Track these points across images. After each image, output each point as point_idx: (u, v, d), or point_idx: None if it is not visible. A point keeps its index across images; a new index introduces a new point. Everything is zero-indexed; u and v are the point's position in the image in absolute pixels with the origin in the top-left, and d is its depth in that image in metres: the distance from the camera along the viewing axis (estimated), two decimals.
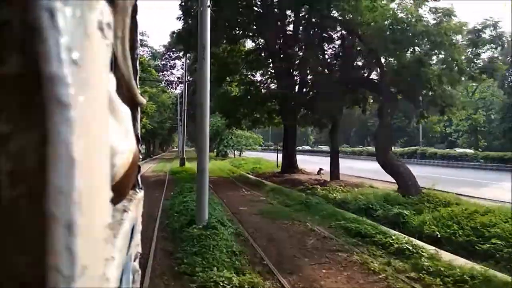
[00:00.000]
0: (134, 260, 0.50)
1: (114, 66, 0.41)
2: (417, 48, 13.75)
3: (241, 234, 7.55)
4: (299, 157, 21.80)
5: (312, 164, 23.57)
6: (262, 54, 21.48)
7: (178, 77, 45.16)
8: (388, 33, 13.17)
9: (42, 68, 0.23)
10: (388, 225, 8.43)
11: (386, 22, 13.26)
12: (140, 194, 0.51)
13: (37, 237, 0.23)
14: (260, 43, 21.89)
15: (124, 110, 0.43)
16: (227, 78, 22.33)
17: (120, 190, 0.39)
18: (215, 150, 48.01)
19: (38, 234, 0.23)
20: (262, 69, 21.78)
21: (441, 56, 13.97)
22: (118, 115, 0.40)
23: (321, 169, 20.23)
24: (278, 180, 17.67)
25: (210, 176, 19.44)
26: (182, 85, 46.85)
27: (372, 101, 19.01)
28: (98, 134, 0.28)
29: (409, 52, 13.98)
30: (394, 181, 16.93)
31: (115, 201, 0.39)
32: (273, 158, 31.89)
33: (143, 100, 0.53)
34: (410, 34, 12.72)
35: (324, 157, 40.64)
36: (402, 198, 10.58)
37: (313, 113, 16.34)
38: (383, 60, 14.63)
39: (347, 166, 25.97)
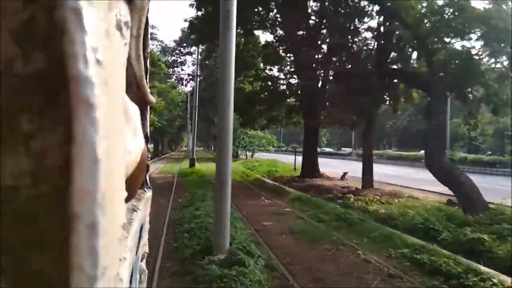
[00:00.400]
0: (141, 260, 0.48)
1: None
2: (472, 36, 11.56)
3: (275, 267, 5.46)
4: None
5: (327, 167, 21.46)
6: (281, 47, 19.40)
7: (189, 74, 43.33)
8: (440, 17, 11.01)
9: (68, 68, 0.23)
10: (463, 254, 6.28)
11: (439, 4, 11.11)
12: (149, 193, 0.48)
13: (59, 236, 0.23)
14: (279, 35, 19.81)
15: (133, 109, 0.41)
16: (242, 73, 20.33)
17: (128, 190, 0.38)
18: None
19: (60, 233, 0.23)
20: (282, 63, 19.70)
21: (496, 44, 11.77)
22: (127, 114, 0.39)
23: (345, 173, 18.11)
24: (299, 185, 15.58)
25: None
26: (193, 82, 45.04)
27: (403, 99, 16.89)
28: (116, 134, 0.27)
29: (460, 40, 11.83)
30: (434, 190, 14.78)
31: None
32: (287, 160, 29.81)
33: (152, 99, 0.52)
34: (467, 18, 10.55)
35: (333, 159, 38.46)
36: (464, 215, 8.44)
37: (342, 111, 14.20)
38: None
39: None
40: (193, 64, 40.91)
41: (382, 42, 13.39)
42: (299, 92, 18.13)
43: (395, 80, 13.20)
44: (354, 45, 14.42)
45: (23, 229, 0.23)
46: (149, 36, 0.48)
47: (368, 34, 16.15)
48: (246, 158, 34.13)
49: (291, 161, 29.00)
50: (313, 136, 18.36)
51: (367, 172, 13.11)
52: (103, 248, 0.24)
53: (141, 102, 0.48)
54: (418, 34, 11.18)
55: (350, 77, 13.36)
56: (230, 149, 5.63)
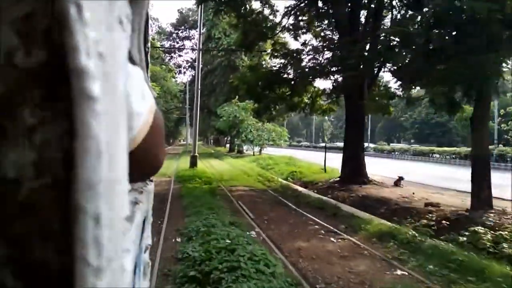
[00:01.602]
0: (145, 252, 0.47)
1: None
2: None
3: None
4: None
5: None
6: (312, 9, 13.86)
7: (187, 61, 37.63)
8: None
9: (70, 61, 0.22)
10: None
11: None
12: (151, 186, 0.47)
13: (63, 228, 0.23)
14: None
15: (135, 71, 0.38)
16: (258, 44, 14.82)
17: (145, 159, 0.35)
18: (227, 145, 40.23)
19: (64, 225, 0.23)
20: (312, 30, 14.18)
21: None
22: (131, 78, 0.35)
23: (401, 178, 12.71)
24: (347, 196, 10.21)
25: (236, 186, 11.53)
26: (191, 70, 39.35)
27: None
28: (119, 127, 0.27)
29: None
30: None
31: (147, 172, 0.40)
32: (304, 157, 24.46)
33: (153, 93, 0.47)
34: None
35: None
36: None
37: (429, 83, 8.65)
38: None
39: (407, 170, 18.71)
40: (192, 50, 35.36)
41: None
42: (338, 67, 12.59)
43: None
44: None
45: (27, 221, 0.22)
46: (149, 31, 0.46)
47: None
48: (254, 154, 28.46)
49: (309, 158, 23.67)
50: (357, 126, 12.87)
51: (483, 183, 7.57)
52: (107, 239, 0.23)
53: None
54: None
55: (442, 29, 7.89)
56: None
